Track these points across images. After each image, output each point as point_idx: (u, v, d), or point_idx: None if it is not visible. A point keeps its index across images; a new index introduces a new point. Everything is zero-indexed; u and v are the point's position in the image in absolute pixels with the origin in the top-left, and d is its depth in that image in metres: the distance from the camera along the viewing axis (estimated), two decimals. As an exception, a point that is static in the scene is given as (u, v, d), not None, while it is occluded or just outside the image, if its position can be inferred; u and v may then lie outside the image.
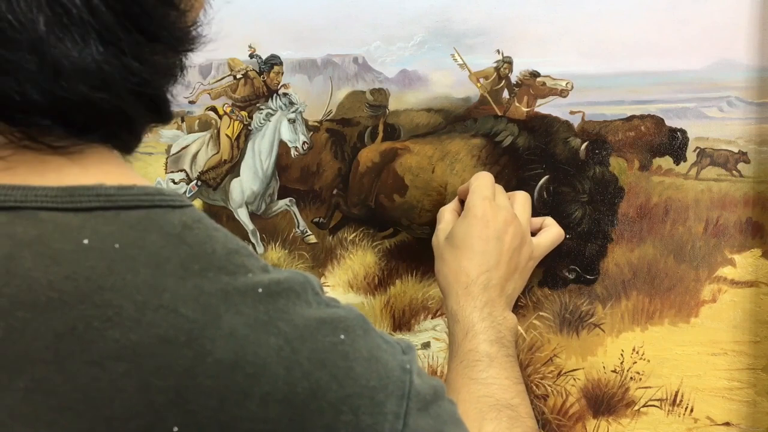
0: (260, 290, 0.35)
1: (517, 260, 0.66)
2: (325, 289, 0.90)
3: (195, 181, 0.92)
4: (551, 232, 0.72)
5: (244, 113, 0.91)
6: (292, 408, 0.33)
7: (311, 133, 0.89)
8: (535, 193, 0.83)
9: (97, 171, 0.37)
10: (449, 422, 0.40)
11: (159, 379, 0.31)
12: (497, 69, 0.83)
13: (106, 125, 0.37)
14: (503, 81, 0.84)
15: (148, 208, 0.35)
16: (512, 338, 0.64)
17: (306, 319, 0.35)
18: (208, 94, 0.91)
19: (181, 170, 0.93)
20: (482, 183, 0.69)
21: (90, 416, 0.30)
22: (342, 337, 0.36)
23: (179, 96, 0.90)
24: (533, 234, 0.72)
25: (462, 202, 0.73)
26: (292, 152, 0.90)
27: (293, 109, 0.89)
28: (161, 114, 0.41)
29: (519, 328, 0.85)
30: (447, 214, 0.72)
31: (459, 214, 0.71)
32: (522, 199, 0.71)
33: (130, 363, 0.31)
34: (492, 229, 0.65)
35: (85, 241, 0.33)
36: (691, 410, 0.82)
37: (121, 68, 0.35)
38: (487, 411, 0.57)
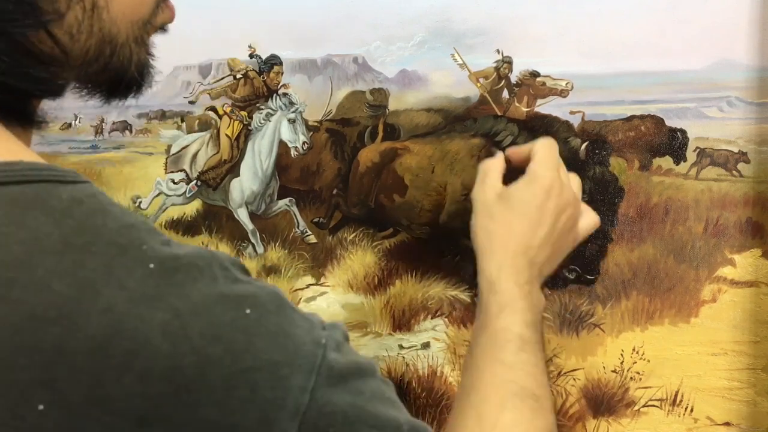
0: (152, 265, 0.33)
1: (563, 243, 0.62)
2: (325, 289, 0.90)
3: (195, 181, 0.92)
4: (590, 218, 0.67)
5: (244, 113, 0.91)
6: (175, 384, 0.31)
7: (311, 133, 0.89)
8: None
9: None
10: (374, 399, 0.38)
11: (24, 357, 0.30)
12: (497, 69, 0.83)
13: None
14: (503, 81, 0.84)
15: (34, 182, 0.34)
16: (541, 322, 0.60)
17: (204, 294, 0.34)
18: (208, 94, 0.91)
19: (181, 170, 0.93)
20: (551, 151, 0.63)
21: None
22: (247, 311, 0.35)
23: (179, 96, 0.90)
24: None
25: (508, 164, 0.67)
26: (292, 152, 0.90)
27: (293, 109, 0.89)
28: (25, 91, 0.39)
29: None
30: (494, 169, 0.65)
31: (503, 175, 0.66)
32: (577, 183, 0.66)
33: None
34: (554, 203, 0.60)
35: None
36: (691, 410, 0.82)
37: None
38: (509, 398, 0.53)
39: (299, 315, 0.37)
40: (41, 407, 0.30)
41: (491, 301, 0.57)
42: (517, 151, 0.66)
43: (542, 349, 0.57)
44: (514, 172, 0.65)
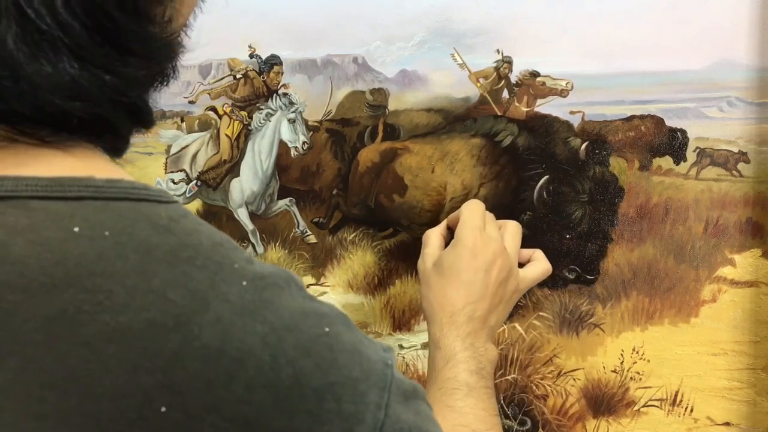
0: (245, 282, 0.35)
1: (503, 293, 0.66)
2: (325, 289, 0.91)
3: (195, 181, 0.92)
4: (539, 267, 0.71)
5: (244, 113, 0.91)
6: (276, 393, 0.33)
7: (311, 133, 0.89)
8: (535, 193, 0.83)
9: (86, 165, 0.37)
10: (428, 421, 0.41)
11: (147, 361, 0.32)
12: (497, 69, 0.83)
13: (88, 129, 0.38)
14: (503, 81, 0.84)
15: (135, 200, 0.36)
16: (491, 370, 0.64)
17: (291, 310, 0.36)
18: (208, 94, 0.91)
19: (181, 170, 0.93)
20: (473, 212, 0.68)
21: (79, 394, 0.31)
22: (327, 329, 0.37)
23: (179, 96, 0.90)
24: (521, 265, 0.71)
25: (449, 228, 0.72)
26: (292, 152, 0.90)
27: (293, 109, 0.89)
28: (142, 121, 0.42)
29: (519, 328, 0.85)
30: (433, 238, 0.71)
31: (445, 239, 0.71)
32: (513, 230, 0.70)
33: (119, 345, 0.32)
34: (480, 260, 0.64)
35: (76, 229, 0.33)
36: (691, 410, 0.82)
37: (96, 81, 0.36)
38: None
39: (363, 336, 0.40)
40: (164, 409, 0.32)
41: (437, 356, 0.63)
42: (453, 216, 0.71)
43: (491, 394, 0.62)
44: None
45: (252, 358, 0.33)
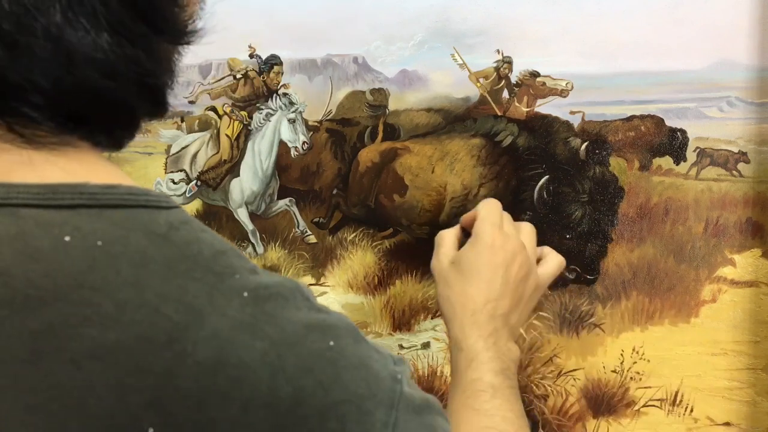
0: (245, 294, 0.34)
1: (523, 290, 0.65)
2: (325, 289, 0.91)
3: (195, 181, 0.92)
4: (553, 261, 0.70)
5: (244, 113, 0.91)
6: (274, 414, 0.32)
7: (311, 133, 0.89)
8: (535, 193, 0.83)
9: (82, 169, 0.36)
10: None
11: (136, 379, 0.31)
12: (497, 69, 0.83)
13: (104, 114, 0.37)
14: (503, 81, 0.84)
15: (133, 207, 0.35)
16: (515, 370, 0.63)
17: (294, 323, 0.35)
18: (208, 94, 0.91)
19: (181, 170, 0.93)
20: (491, 210, 0.67)
21: (63, 416, 0.30)
22: (331, 343, 0.35)
23: (179, 96, 0.90)
24: None
25: (463, 229, 0.72)
26: (292, 152, 0.90)
27: (293, 109, 0.89)
28: (160, 105, 0.41)
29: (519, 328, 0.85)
30: (447, 237, 0.69)
31: (458, 240, 0.70)
32: (528, 230, 0.69)
33: (107, 362, 0.31)
34: (500, 257, 0.63)
35: (67, 238, 0.32)
36: (691, 410, 0.82)
37: (128, 58, 0.36)
38: None
39: (373, 349, 0.38)
40: (151, 430, 0.30)
41: (459, 358, 0.61)
42: (467, 216, 0.70)
43: (517, 394, 0.60)
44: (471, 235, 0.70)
45: (249, 376, 0.32)
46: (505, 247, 0.64)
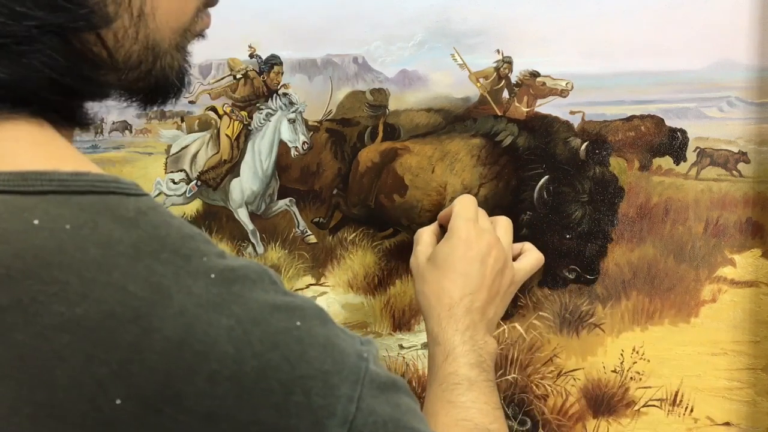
0: (213, 275, 0.35)
1: (499, 284, 0.66)
2: (325, 289, 0.91)
3: (195, 181, 0.92)
4: (531, 257, 0.71)
5: (244, 113, 0.91)
6: (239, 386, 0.33)
7: (311, 133, 0.89)
8: (535, 193, 0.83)
9: (52, 157, 0.38)
10: (408, 414, 0.40)
11: (103, 352, 0.32)
12: (497, 69, 0.83)
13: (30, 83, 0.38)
14: (503, 81, 0.84)
15: (102, 194, 0.36)
16: (492, 363, 0.63)
17: (260, 303, 0.36)
18: (208, 94, 0.91)
19: (181, 170, 0.93)
20: (465, 205, 0.68)
21: (32, 384, 0.32)
22: (298, 323, 0.36)
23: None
24: (513, 259, 0.71)
25: (441, 226, 0.72)
26: (292, 152, 0.90)
27: (293, 109, 0.89)
28: (87, 79, 0.41)
29: (519, 328, 0.85)
30: (425, 235, 0.71)
31: (437, 237, 0.71)
32: (504, 224, 0.70)
33: (74, 335, 0.32)
34: (475, 251, 0.64)
35: (36, 222, 0.33)
36: (691, 410, 0.82)
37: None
38: None
39: (340, 329, 0.39)
40: (118, 401, 0.32)
41: (436, 352, 0.62)
42: (444, 213, 0.71)
43: (493, 387, 0.61)
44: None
45: (215, 350, 0.33)
46: (479, 241, 0.65)
